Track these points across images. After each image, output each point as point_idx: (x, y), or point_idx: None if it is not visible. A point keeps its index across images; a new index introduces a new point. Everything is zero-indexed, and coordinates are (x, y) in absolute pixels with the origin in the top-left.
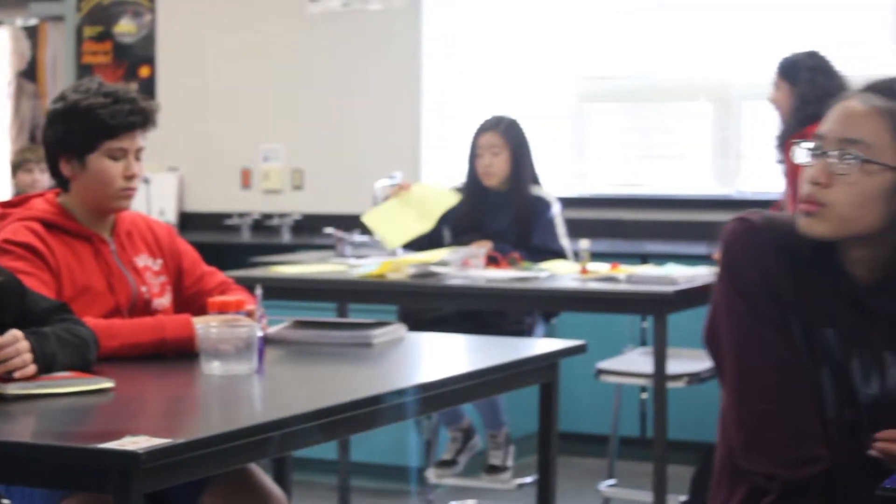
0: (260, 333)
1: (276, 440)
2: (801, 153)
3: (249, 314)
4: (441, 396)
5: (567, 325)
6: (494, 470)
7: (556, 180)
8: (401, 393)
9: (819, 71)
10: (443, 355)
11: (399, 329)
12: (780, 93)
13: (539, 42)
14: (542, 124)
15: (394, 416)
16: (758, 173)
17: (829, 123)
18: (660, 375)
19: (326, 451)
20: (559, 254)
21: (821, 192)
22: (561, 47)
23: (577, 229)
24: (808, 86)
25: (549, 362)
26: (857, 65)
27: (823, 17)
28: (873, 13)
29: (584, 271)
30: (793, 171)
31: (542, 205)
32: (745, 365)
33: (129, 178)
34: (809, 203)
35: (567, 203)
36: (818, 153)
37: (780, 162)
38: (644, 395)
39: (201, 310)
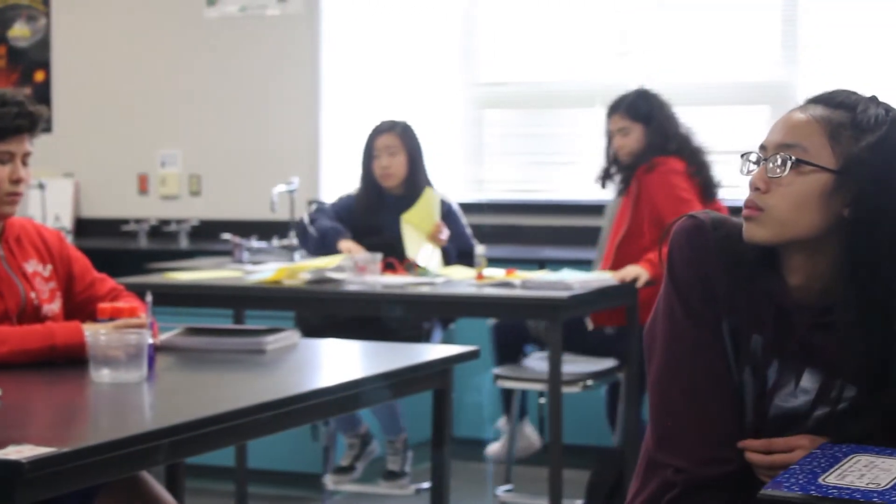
0: (150, 340)
1: (165, 448)
2: (747, 164)
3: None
4: (333, 402)
5: (467, 331)
6: (392, 476)
7: (452, 186)
8: (293, 399)
9: (666, 106)
10: (336, 361)
11: (292, 335)
12: (634, 134)
13: (436, 48)
14: (439, 130)
15: (286, 423)
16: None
17: (771, 133)
18: (555, 380)
19: (223, 457)
20: (471, 254)
21: (760, 197)
22: (458, 53)
23: (474, 235)
24: (667, 121)
25: (442, 368)
26: (747, 70)
27: (715, 23)
28: (763, 18)
29: (479, 277)
30: (636, 200)
31: (446, 207)
32: (671, 360)
33: (16, 182)
34: (749, 208)
35: (463, 209)
36: (760, 161)
37: (622, 194)
38: (542, 400)
39: (92, 316)
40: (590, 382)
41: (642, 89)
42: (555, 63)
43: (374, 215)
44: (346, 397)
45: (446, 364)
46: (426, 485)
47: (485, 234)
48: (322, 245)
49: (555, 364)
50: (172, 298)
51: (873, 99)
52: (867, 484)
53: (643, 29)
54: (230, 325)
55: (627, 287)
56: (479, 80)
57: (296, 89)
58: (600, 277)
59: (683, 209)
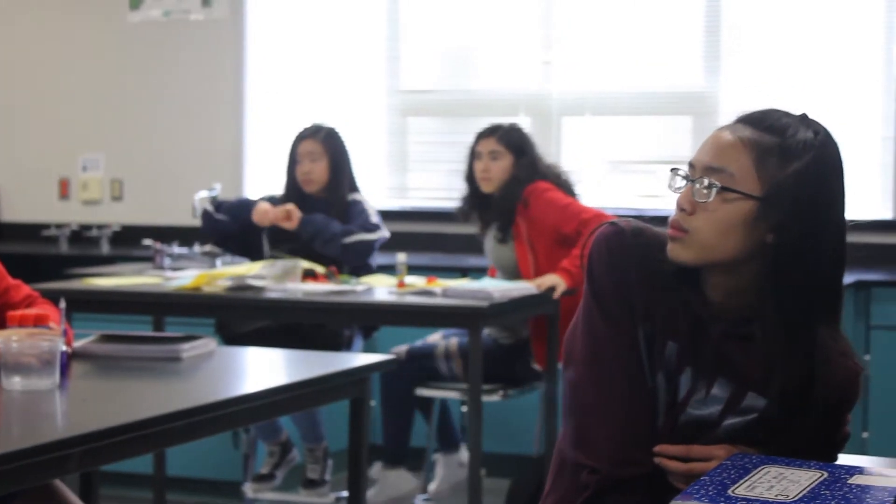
0: (63, 348)
1: (77, 456)
2: (676, 179)
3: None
4: (249, 411)
5: (390, 339)
6: (312, 484)
7: (376, 193)
8: (207, 407)
9: (535, 145)
10: (252, 369)
11: (208, 343)
12: (504, 162)
13: (361, 54)
14: (363, 137)
15: (200, 431)
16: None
17: (699, 152)
18: (475, 388)
19: (142, 465)
20: (375, 225)
21: (685, 219)
22: (382, 60)
23: (397, 243)
24: (537, 159)
25: (359, 377)
26: (670, 80)
27: (638, 33)
28: (685, 29)
29: (401, 285)
30: (529, 238)
31: (360, 207)
32: (588, 362)
33: None
34: (675, 229)
35: (387, 216)
36: (688, 180)
37: (505, 241)
38: (465, 409)
39: (3, 324)
40: (510, 391)
41: (517, 125)
42: (479, 71)
43: None
44: (261, 405)
45: (363, 373)
46: (346, 493)
47: (408, 242)
48: (237, 217)
49: (475, 372)
50: (91, 305)
51: (804, 120)
52: (776, 496)
53: (567, 38)
54: (146, 333)
55: (548, 296)
56: (403, 87)
57: (220, 94)
58: (520, 286)
59: (572, 211)
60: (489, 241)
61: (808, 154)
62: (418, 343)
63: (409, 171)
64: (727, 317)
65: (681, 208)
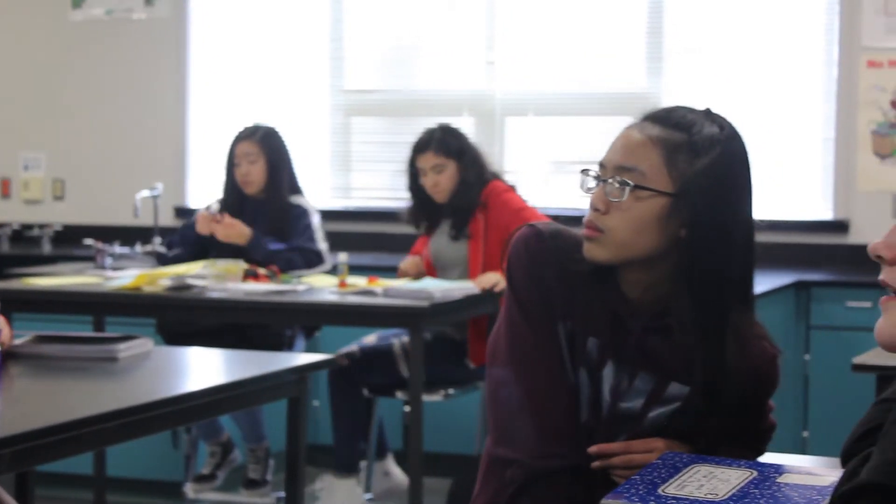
0: None
1: (9, 457)
2: (587, 180)
3: None
4: (184, 411)
5: (333, 339)
6: (254, 484)
7: (319, 193)
8: (142, 408)
9: (470, 139)
10: (190, 369)
11: (145, 343)
12: (448, 171)
13: (304, 54)
14: (307, 137)
15: (135, 431)
16: (520, 188)
17: (609, 152)
18: (415, 388)
19: (81, 465)
20: (318, 254)
21: (600, 219)
22: (326, 60)
23: (339, 242)
24: (477, 154)
25: (296, 376)
26: (613, 80)
27: (581, 33)
28: (628, 29)
29: (342, 285)
30: (485, 237)
31: (300, 211)
32: (511, 360)
33: None
34: (590, 229)
35: (330, 216)
36: (600, 180)
37: (457, 239)
38: (407, 409)
39: None
40: (451, 391)
41: (446, 125)
42: (422, 71)
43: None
44: (198, 405)
45: (301, 372)
46: (281, 494)
47: (351, 242)
48: (186, 240)
49: (415, 372)
50: (30, 305)
51: (708, 115)
52: (706, 494)
53: (510, 38)
54: (81, 333)
55: (489, 296)
56: (346, 87)
57: (162, 94)
58: (462, 286)
59: (524, 216)
60: (439, 239)
61: (715, 149)
62: (366, 343)
63: (352, 171)
64: (645, 311)
65: (595, 208)
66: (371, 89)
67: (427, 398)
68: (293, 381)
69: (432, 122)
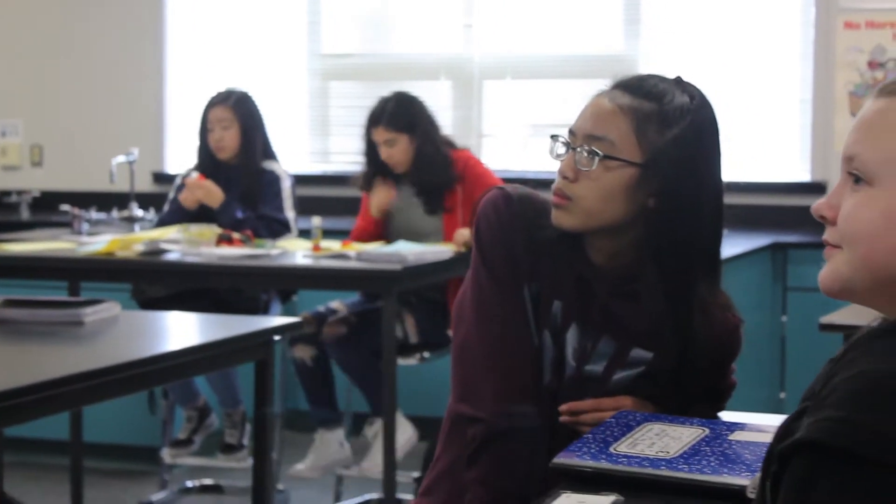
0: None
1: None
2: (557, 146)
3: None
4: (150, 373)
5: (310, 303)
6: (230, 449)
7: (296, 158)
8: (106, 370)
9: (426, 108)
10: (156, 333)
11: (112, 307)
12: (401, 144)
13: (282, 18)
14: (285, 101)
15: (100, 394)
16: (498, 151)
17: (580, 120)
18: (389, 352)
19: (57, 430)
20: (284, 224)
21: (568, 187)
22: (303, 24)
23: (317, 207)
24: (430, 125)
25: (262, 340)
26: (590, 43)
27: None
28: None
29: (316, 248)
30: (463, 208)
31: (272, 177)
32: (476, 320)
33: None
34: (558, 197)
35: (308, 180)
36: (569, 148)
37: (434, 213)
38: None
39: None
40: (426, 354)
41: (401, 96)
42: (400, 35)
43: None
44: (163, 368)
45: (266, 335)
46: None
47: (330, 206)
48: (176, 213)
49: (388, 334)
50: (4, 270)
51: (679, 83)
52: (657, 452)
53: (488, 1)
54: (49, 297)
55: (462, 259)
56: (324, 51)
57: (140, 59)
58: (435, 250)
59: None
60: (411, 211)
61: (685, 119)
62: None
63: (330, 136)
64: (611, 276)
65: (563, 176)
66: (349, 53)
67: (403, 362)
68: (259, 345)
69: (410, 87)
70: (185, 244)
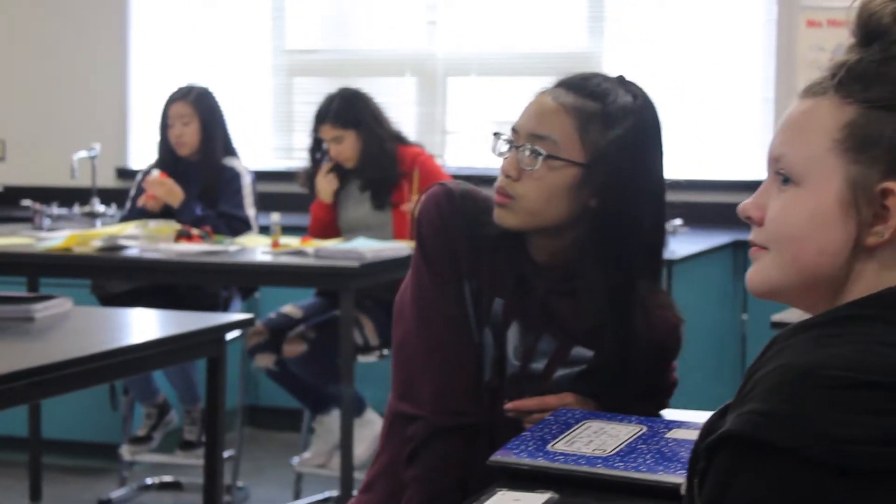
0: None
1: None
2: (500, 143)
3: None
4: (98, 370)
5: (273, 301)
6: (189, 446)
7: (261, 154)
8: (55, 366)
9: (372, 103)
10: (107, 329)
11: (64, 303)
12: (348, 141)
13: (246, 14)
14: (249, 97)
15: (49, 390)
16: (462, 148)
17: (523, 118)
18: (347, 348)
19: (17, 427)
20: (244, 221)
21: (511, 186)
22: (268, 20)
23: (281, 203)
24: (376, 121)
25: (214, 336)
26: (554, 41)
27: None
28: None
29: (275, 245)
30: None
31: (232, 174)
32: (416, 317)
33: None
34: (501, 195)
35: (272, 177)
36: (512, 146)
37: (382, 208)
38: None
39: None
40: (385, 352)
41: (346, 92)
42: (364, 31)
43: None
44: (113, 364)
45: (217, 332)
46: (225, 454)
47: (296, 203)
48: (138, 212)
49: (346, 331)
50: None
51: (622, 82)
52: (593, 450)
53: None
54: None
55: None
56: (288, 47)
57: (104, 55)
58: (393, 246)
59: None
60: (359, 207)
61: (628, 119)
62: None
63: (294, 132)
64: (552, 274)
65: (506, 175)
66: (313, 49)
67: (363, 360)
68: (211, 342)
69: (374, 83)
70: (143, 240)
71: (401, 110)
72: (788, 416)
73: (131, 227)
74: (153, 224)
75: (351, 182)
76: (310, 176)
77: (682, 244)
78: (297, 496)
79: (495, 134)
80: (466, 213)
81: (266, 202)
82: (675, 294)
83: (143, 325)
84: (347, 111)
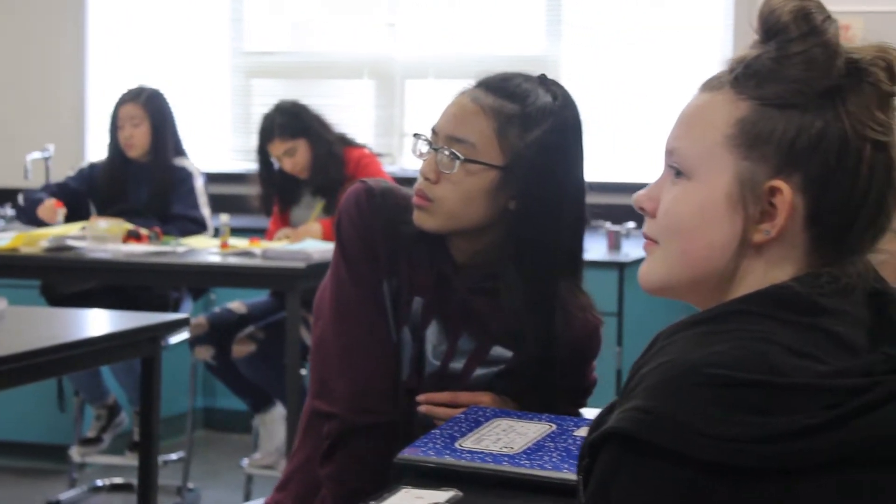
0: None
1: None
2: (420, 144)
3: None
4: (27, 368)
5: (228, 300)
6: (139, 447)
7: (219, 155)
8: None
9: (311, 109)
10: (41, 329)
11: None
12: (301, 150)
13: (204, 15)
14: (207, 99)
15: None
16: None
17: (442, 119)
18: (293, 349)
19: None
20: (199, 222)
21: (430, 188)
22: (226, 21)
23: (239, 204)
24: (321, 125)
25: (148, 336)
26: (512, 44)
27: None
28: None
29: (224, 246)
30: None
31: (184, 175)
32: (335, 315)
33: None
34: (419, 197)
35: (230, 178)
36: (431, 148)
37: (329, 212)
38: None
39: None
40: None
41: (283, 105)
42: (323, 33)
43: (119, 184)
44: (44, 363)
45: (152, 332)
46: (174, 456)
47: (252, 204)
48: (28, 213)
49: (293, 331)
50: None
51: (543, 82)
52: (501, 448)
53: (411, 0)
54: None
55: None
56: (247, 49)
57: (60, 55)
58: None
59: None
60: (308, 214)
61: (547, 121)
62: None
63: (253, 134)
64: (471, 274)
65: (425, 177)
66: (271, 51)
67: None
68: (145, 341)
69: (333, 85)
70: (91, 240)
71: (359, 113)
72: (670, 414)
73: (78, 228)
74: (102, 224)
75: (302, 190)
76: (266, 201)
77: (636, 247)
78: (247, 497)
79: (415, 135)
80: (386, 211)
81: (224, 204)
82: (628, 297)
83: (77, 324)
84: (293, 121)
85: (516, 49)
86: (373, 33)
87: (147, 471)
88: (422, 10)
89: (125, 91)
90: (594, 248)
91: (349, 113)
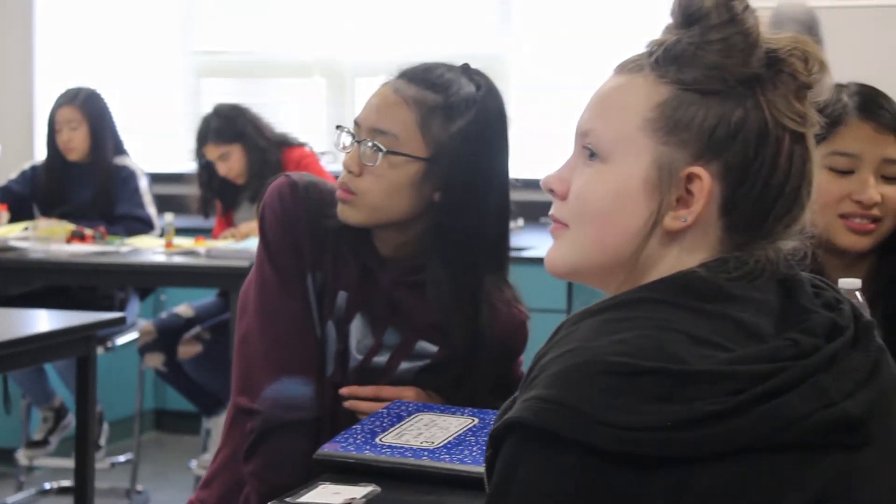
0: None
1: None
2: (343, 137)
3: None
4: None
5: (177, 301)
6: (75, 446)
7: (171, 156)
8: None
9: (249, 113)
10: None
11: None
12: (235, 155)
13: (155, 15)
14: (158, 99)
15: None
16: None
17: (364, 111)
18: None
19: None
20: (146, 221)
21: (353, 181)
22: (176, 21)
23: (178, 204)
24: (257, 130)
25: (83, 335)
26: (464, 42)
27: None
28: None
29: (169, 245)
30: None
31: (126, 174)
32: (258, 310)
33: None
34: (343, 191)
35: (182, 178)
36: (354, 140)
37: None
38: None
39: None
40: None
41: (220, 108)
42: (273, 32)
43: (61, 186)
44: None
45: (85, 331)
46: (122, 458)
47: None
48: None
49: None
50: None
51: (466, 72)
52: (421, 443)
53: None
54: None
55: None
56: (197, 48)
57: (7, 55)
58: None
59: None
60: (250, 214)
61: (470, 111)
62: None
63: None
64: (397, 268)
65: (348, 170)
66: (222, 50)
67: None
68: (80, 340)
69: (282, 84)
70: (34, 241)
71: (310, 112)
72: (570, 403)
73: (20, 229)
74: (44, 224)
75: (241, 195)
76: (205, 204)
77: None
78: None
79: (338, 127)
80: (310, 205)
81: (170, 203)
82: (577, 295)
83: (13, 323)
84: (227, 126)
85: (467, 47)
86: (323, 32)
87: (82, 472)
88: (373, 8)
89: (61, 93)
90: (543, 246)
91: (300, 111)
